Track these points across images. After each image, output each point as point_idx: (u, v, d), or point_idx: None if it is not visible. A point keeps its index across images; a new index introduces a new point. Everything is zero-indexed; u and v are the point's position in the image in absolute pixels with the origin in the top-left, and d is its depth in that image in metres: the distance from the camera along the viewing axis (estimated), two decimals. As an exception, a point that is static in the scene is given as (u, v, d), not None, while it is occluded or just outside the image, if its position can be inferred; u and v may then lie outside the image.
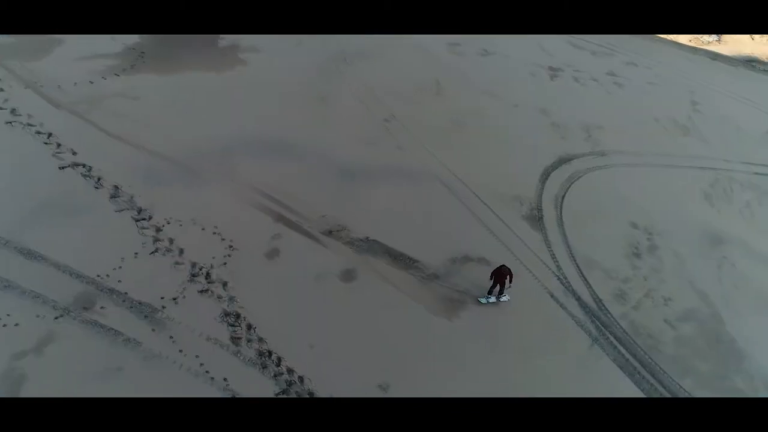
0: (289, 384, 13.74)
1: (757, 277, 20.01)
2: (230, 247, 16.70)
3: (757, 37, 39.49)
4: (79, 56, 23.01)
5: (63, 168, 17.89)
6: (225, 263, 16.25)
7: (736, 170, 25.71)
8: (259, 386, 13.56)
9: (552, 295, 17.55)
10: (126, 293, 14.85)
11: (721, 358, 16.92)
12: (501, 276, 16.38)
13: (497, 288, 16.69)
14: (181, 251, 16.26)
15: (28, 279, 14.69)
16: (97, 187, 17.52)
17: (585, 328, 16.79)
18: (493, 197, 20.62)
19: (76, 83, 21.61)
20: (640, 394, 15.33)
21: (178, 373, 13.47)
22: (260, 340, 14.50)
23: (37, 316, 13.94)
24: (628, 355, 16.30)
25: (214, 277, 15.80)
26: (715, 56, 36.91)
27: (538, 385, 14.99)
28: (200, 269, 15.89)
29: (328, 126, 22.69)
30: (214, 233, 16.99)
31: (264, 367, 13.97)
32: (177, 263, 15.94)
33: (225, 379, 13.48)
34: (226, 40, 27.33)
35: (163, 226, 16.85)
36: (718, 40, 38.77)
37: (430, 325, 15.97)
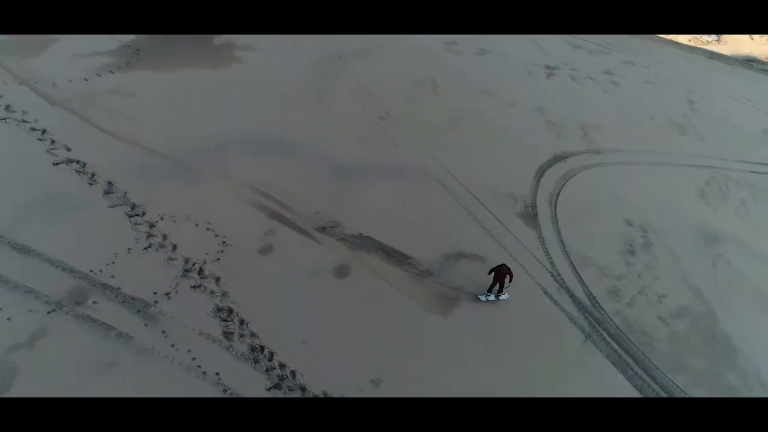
0: (281, 379, 13.75)
1: (752, 275, 19.98)
2: (223, 243, 16.72)
3: (756, 37, 39.48)
4: (74, 53, 23.05)
5: (57, 164, 17.93)
6: (218, 259, 16.27)
7: (733, 168, 25.68)
8: (251, 381, 13.59)
9: (545, 292, 17.56)
10: (119, 288, 14.88)
11: (715, 355, 16.90)
12: (501, 275, 16.39)
13: (497, 286, 16.69)
14: (175, 247, 16.29)
15: (21, 274, 14.73)
16: (91, 183, 17.55)
17: (578, 324, 16.79)
18: (487, 194, 20.63)
19: (71, 80, 21.65)
20: (633, 390, 15.33)
21: (170, 368, 13.49)
22: (253, 335, 14.52)
23: (30, 311, 13.98)
24: (621, 352, 16.30)
25: (207, 272, 15.82)
26: (713, 55, 36.92)
27: (530, 382, 15.01)
28: (193, 265, 15.91)
29: (323, 124, 22.70)
30: (208, 229, 17.02)
31: (256, 361, 13.99)
32: (170, 259, 15.97)
33: (217, 374, 13.51)
34: (222, 38, 27.36)
35: (157, 222, 16.87)
36: (718, 40, 38.77)
37: (422, 321, 15.98)
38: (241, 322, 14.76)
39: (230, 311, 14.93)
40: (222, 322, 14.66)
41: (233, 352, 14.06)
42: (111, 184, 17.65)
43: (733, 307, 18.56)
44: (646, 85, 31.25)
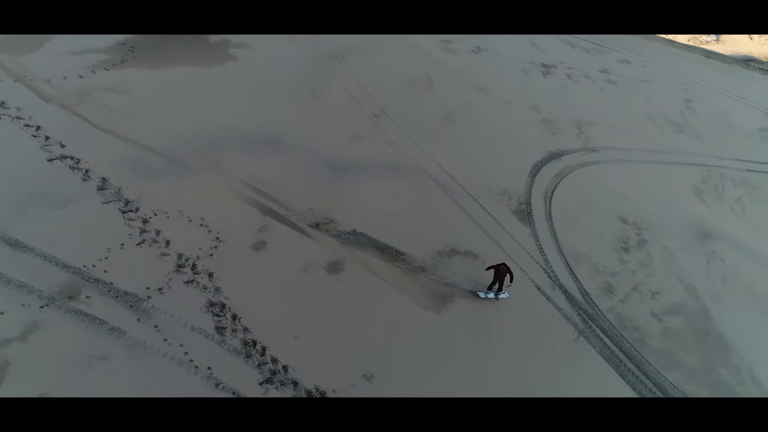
0: (274, 373, 13.77)
1: (747, 273, 20.02)
2: (217, 238, 16.74)
3: (755, 37, 39.54)
4: (69, 51, 23.08)
5: (51, 160, 17.94)
6: (211, 254, 16.29)
7: (728, 167, 25.73)
8: (244, 375, 13.59)
9: (539, 288, 17.59)
10: (112, 283, 14.89)
11: (709, 351, 16.93)
12: (500, 274, 16.44)
13: (497, 285, 16.73)
14: (168, 242, 16.31)
15: (14, 269, 14.74)
16: (84, 179, 17.58)
17: (571, 320, 16.82)
18: (481, 192, 20.67)
19: (65, 77, 21.68)
20: (625, 386, 15.34)
21: (163, 362, 13.51)
22: (245, 330, 14.54)
23: (23, 305, 13.99)
24: (614, 348, 16.32)
25: (200, 268, 15.84)
26: (710, 54, 37.00)
27: (523, 378, 15.03)
28: (186, 260, 15.93)
29: (317, 121, 22.74)
30: (201, 225, 17.04)
31: (248, 356, 14.00)
32: (163, 254, 15.98)
33: (209, 368, 13.52)
34: (217, 36, 27.38)
35: (150, 217, 16.89)
36: (717, 40, 38.81)
37: (415, 316, 16.00)
38: (234, 317, 14.78)
39: (223, 306, 14.94)
40: (215, 317, 14.67)
41: (225, 347, 14.08)
42: (105, 180, 17.67)
43: (727, 305, 18.60)
44: (642, 83, 31.32)
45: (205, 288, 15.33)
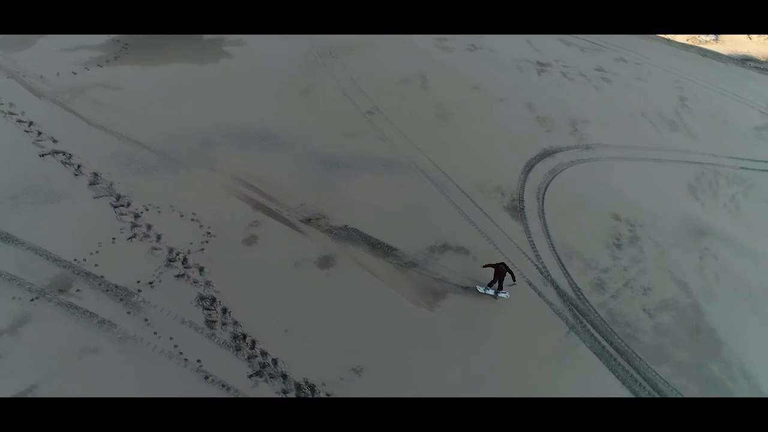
0: (263, 366, 13.80)
1: (740, 269, 20.01)
2: (208, 233, 16.78)
3: (754, 36, 39.54)
4: (62, 47, 23.11)
5: (43, 155, 17.99)
6: (202, 249, 16.33)
7: (723, 164, 25.72)
8: (233, 368, 13.64)
9: (530, 284, 17.60)
10: (102, 277, 14.93)
11: (700, 347, 16.92)
12: (499, 274, 16.48)
13: (496, 284, 16.77)
14: (159, 237, 16.35)
15: (5, 262, 14.82)
16: (76, 174, 17.62)
17: (562, 316, 16.84)
18: (474, 188, 20.69)
19: (58, 73, 21.73)
20: (615, 381, 15.35)
21: (152, 354, 13.56)
22: (235, 323, 14.57)
23: (13, 298, 14.05)
24: (604, 343, 16.33)
25: (190, 262, 15.88)
26: (706, 53, 36.98)
27: (513, 373, 15.06)
28: (177, 254, 15.97)
29: (311, 117, 22.76)
30: (193, 220, 17.08)
31: (238, 349, 14.04)
32: (154, 249, 16.03)
33: (198, 361, 13.56)
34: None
35: (142, 212, 16.94)
36: (716, 40, 38.82)
37: (406, 311, 16.02)
38: (224, 310, 14.81)
39: (213, 300, 14.98)
40: (205, 311, 14.71)
41: (215, 340, 14.12)
42: (97, 175, 17.71)
43: (720, 301, 18.58)
44: (637, 81, 31.33)
45: (195, 282, 15.37)
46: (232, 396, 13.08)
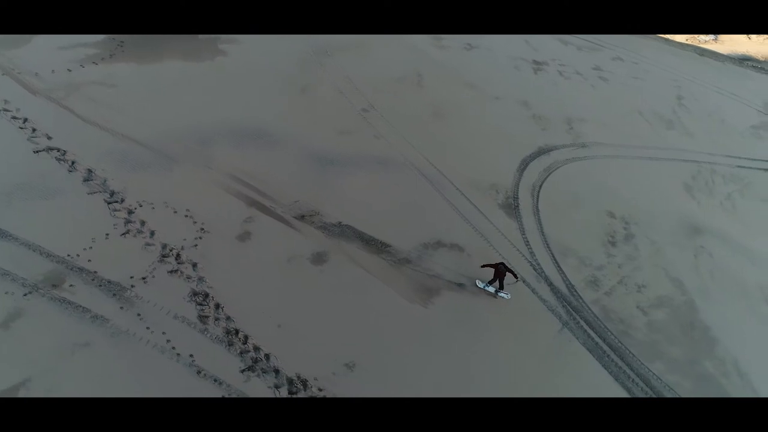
0: (255, 361, 13.83)
1: (735, 267, 20.03)
2: (202, 229, 16.79)
3: (753, 36, 39.54)
4: (58, 45, 23.05)
5: (37, 152, 17.99)
6: (196, 245, 16.34)
7: (719, 163, 25.74)
8: (225, 363, 13.67)
9: (524, 281, 17.61)
10: (95, 272, 14.95)
11: (694, 344, 16.96)
12: (499, 273, 16.48)
13: (496, 282, 16.80)
14: (152, 233, 16.36)
15: (-2, 257, 14.84)
16: (70, 171, 17.62)
17: (556, 312, 16.87)
18: (469, 186, 20.70)
19: (53, 71, 21.71)
20: (608, 376, 15.40)
21: (145, 349, 13.58)
22: (228, 318, 14.59)
23: (6, 293, 14.06)
24: (597, 339, 16.37)
25: (184, 258, 15.89)
26: (703, 52, 36.98)
27: (506, 367, 15.11)
28: (170, 250, 15.99)
29: (306, 115, 22.75)
30: (186, 216, 17.08)
31: (230, 344, 14.06)
32: (148, 244, 16.04)
33: (191, 355, 13.60)
34: (208, 31, 27.41)
35: (135, 208, 16.94)
36: (715, 40, 38.82)
37: (399, 307, 16.05)
38: (217, 306, 14.83)
39: (206, 296, 15.00)
40: (198, 306, 14.73)
41: (208, 335, 14.14)
42: (91, 171, 17.72)
43: (715, 299, 18.62)
44: (634, 80, 31.34)
45: (188, 277, 15.39)
46: (224, 390, 13.09)
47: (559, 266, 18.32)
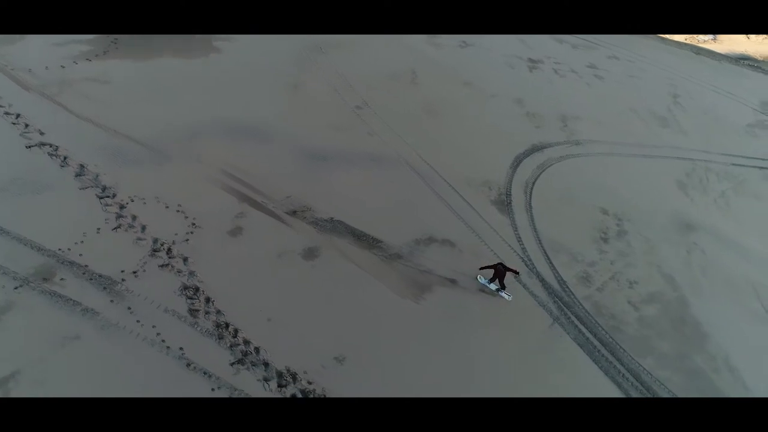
0: (245, 354, 13.86)
1: (728, 264, 20.10)
2: (193, 224, 16.82)
3: (752, 36, 39.60)
4: (51, 42, 23.07)
5: (30, 147, 18.01)
6: (187, 240, 16.36)
7: (714, 161, 25.80)
8: (215, 356, 13.68)
9: (515, 276, 17.61)
10: (86, 266, 14.97)
11: (685, 339, 16.99)
12: (498, 273, 16.53)
13: (497, 281, 16.84)
14: (144, 228, 16.39)
15: (-12, 251, 14.87)
16: (62, 166, 17.64)
17: (547, 308, 16.90)
18: (461, 182, 20.75)
19: (47, 67, 21.74)
20: (598, 371, 15.43)
21: (135, 342, 13.61)
22: (218, 312, 14.62)
23: (-3, 286, 14.11)
24: (588, 334, 16.39)
25: (175, 252, 15.92)
26: (699, 51, 37.04)
27: (496, 362, 15.12)
28: (162, 245, 16.02)
29: (299, 112, 22.79)
30: (178, 211, 17.11)
31: (220, 338, 14.09)
32: (139, 239, 16.07)
33: (181, 348, 13.61)
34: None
35: (127, 203, 16.97)
36: (714, 39, 38.87)
37: (390, 302, 16.07)
38: (207, 300, 14.86)
39: (197, 289, 15.03)
40: (188, 300, 14.76)
41: (198, 329, 14.16)
42: (83, 166, 17.75)
43: (706, 295, 18.68)
44: (630, 78, 31.42)
45: (179, 272, 15.42)
46: (213, 383, 13.12)
47: (550, 262, 18.36)
